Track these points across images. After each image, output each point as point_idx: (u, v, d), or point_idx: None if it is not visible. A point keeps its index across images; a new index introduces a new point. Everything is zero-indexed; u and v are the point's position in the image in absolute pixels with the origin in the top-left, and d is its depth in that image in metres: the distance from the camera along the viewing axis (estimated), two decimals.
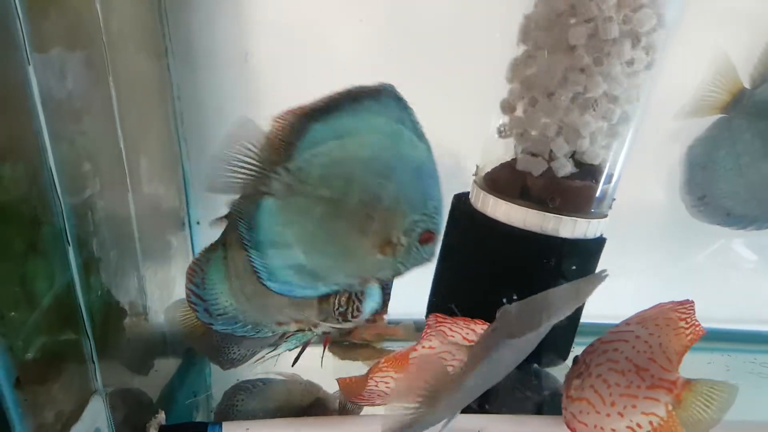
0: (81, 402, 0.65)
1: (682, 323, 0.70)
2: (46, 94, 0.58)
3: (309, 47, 0.99)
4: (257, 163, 0.59)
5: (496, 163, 0.92)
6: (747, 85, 0.79)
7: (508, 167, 0.90)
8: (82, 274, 0.64)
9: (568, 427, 0.73)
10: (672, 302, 0.73)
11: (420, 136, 0.62)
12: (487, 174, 0.92)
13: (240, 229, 0.60)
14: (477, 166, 0.94)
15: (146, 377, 0.85)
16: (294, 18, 0.98)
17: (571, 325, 0.96)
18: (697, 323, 0.69)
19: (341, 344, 1.06)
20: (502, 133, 0.88)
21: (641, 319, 0.73)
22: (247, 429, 0.79)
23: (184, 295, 0.81)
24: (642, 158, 0.91)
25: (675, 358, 0.68)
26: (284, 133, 0.59)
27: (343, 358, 1.04)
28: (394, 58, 1.00)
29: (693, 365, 1.08)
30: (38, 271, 0.57)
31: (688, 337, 0.69)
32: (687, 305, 0.71)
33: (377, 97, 0.59)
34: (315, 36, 0.98)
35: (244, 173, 0.59)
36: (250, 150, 0.59)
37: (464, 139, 0.95)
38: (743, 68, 0.82)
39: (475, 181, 0.93)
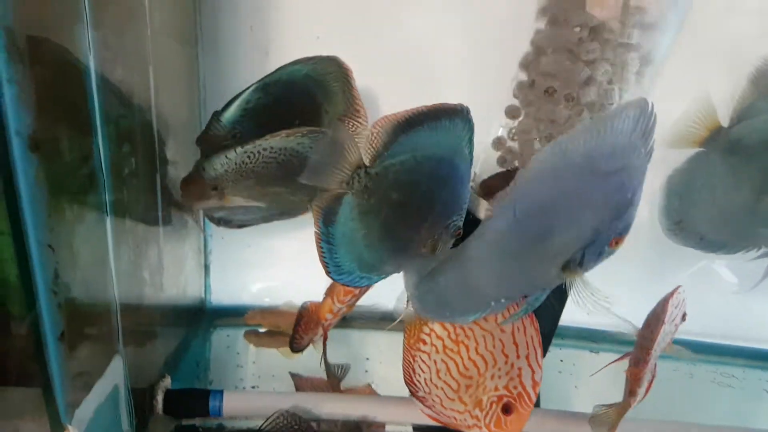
0: (105, 360, 0.72)
1: None
2: (100, 77, 0.65)
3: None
4: (348, 165, 0.68)
5: (491, 172, 0.99)
6: (724, 124, 0.88)
7: (502, 176, 0.97)
8: (116, 244, 0.71)
9: None
10: None
11: (471, 151, 0.71)
12: (483, 181, 1.00)
13: (320, 223, 0.69)
14: (475, 173, 1.01)
15: (155, 344, 0.92)
16: (314, 17, 1.03)
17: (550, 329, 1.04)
18: None
19: (257, 332, 1.10)
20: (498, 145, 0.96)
21: None
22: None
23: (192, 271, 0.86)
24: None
25: None
26: (377, 140, 0.69)
27: (257, 345, 1.09)
28: (406, 65, 1.06)
29: (661, 372, 1.18)
30: (82, 237, 0.65)
31: None
32: None
33: (452, 118, 0.69)
34: (333, 37, 1.04)
35: (338, 171, 0.68)
36: (347, 152, 0.68)
37: None
38: (724, 108, 0.89)
39: (471, 187, 1.01)
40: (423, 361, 0.82)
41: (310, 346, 0.96)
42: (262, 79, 0.87)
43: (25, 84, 0.52)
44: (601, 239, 0.63)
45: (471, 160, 0.72)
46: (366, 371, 1.10)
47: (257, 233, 1.12)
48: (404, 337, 0.84)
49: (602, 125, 0.59)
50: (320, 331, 0.94)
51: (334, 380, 0.97)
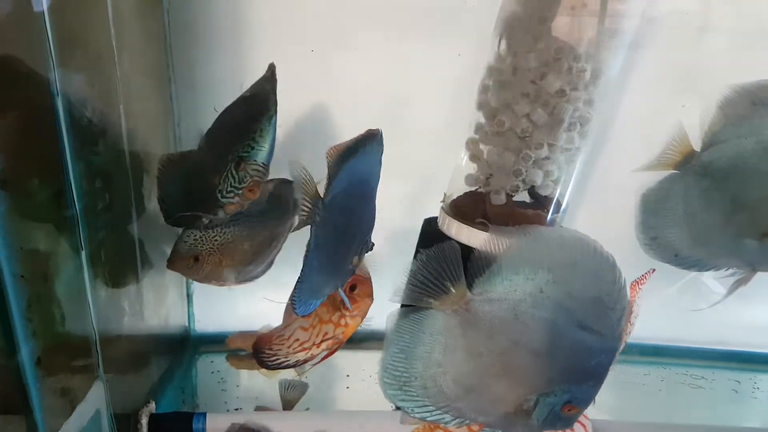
0: (86, 386, 0.75)
1: None
2: (69, 117, 0.71)
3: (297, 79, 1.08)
4: (311, 201, 0.72)
5: (460, 192, 1.03)
6: (696, 148, 0.92)
7: (471, 196, 1.01)
8: (92, 277, 0.75)
9: None
10: None
11: (379, 170, 0.78)
12: (453, 201, 1.03)
13: None
14: (444, 194, 1.05)
15: (140, 372, 0.96)
16: (284, 55, 1.08)
17: None
18: None
19: (239, 355, 1.10)
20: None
21: None
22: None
23: (174, 301, 0.89)
24: (616, 194, 1.03)
25: None
26: (329, 171, 0.72)
27: (239, 368, 1.10)
28: (376, 99, 1.10)
29: (630, 376, 1.20)
30: (57, 269, 0.68)
31: None
32: None
33: (372, 143, 0.74)
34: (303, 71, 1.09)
35: (304, 211, 0.72)
36: (307, 187, 0.71)
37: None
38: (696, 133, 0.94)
39: (442, 208, 1.04)
40: None
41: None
42: None
43: None
44: (555, 396, 0.62)
45: (378, 178, 0.78)
46: (347, 387, 1.14)
47: None
48: None
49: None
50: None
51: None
